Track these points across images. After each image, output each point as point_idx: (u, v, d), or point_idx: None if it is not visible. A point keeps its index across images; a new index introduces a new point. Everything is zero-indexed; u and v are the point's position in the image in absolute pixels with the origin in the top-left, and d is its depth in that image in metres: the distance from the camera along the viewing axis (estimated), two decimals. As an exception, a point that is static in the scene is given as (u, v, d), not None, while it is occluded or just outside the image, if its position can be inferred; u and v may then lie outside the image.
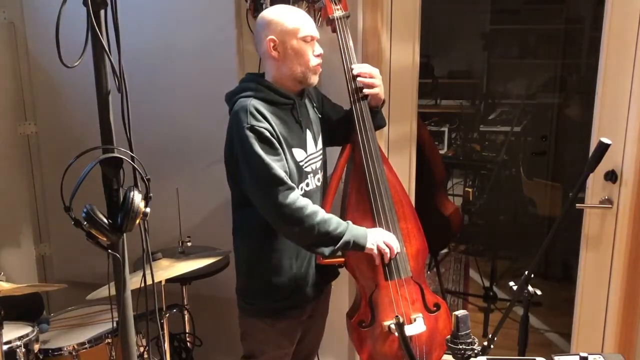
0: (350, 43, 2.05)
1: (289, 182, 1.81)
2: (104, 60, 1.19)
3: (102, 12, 1.16)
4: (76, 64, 1.15)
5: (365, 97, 2.04)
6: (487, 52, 5.32)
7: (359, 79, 2.03)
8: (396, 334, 2.02)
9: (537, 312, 3.39)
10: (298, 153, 1.92)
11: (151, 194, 1.28)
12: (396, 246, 1.97)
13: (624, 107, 2.21)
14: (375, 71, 2.06)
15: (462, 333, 1.35)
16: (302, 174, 1.94)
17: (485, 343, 1.42)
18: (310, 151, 1.99)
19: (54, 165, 2.95)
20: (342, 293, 2.55)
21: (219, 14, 2.52)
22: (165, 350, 2.23)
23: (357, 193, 2.04)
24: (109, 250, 1.27)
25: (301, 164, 1.93)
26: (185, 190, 2.49)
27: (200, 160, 2.68)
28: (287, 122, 1.89)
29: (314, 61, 1.89)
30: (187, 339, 2.61)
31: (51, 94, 2.88)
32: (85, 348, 2.17)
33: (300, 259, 1.99)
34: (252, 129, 1.78)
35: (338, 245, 1.87)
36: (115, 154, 1.22)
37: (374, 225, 2.01)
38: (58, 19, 1.13)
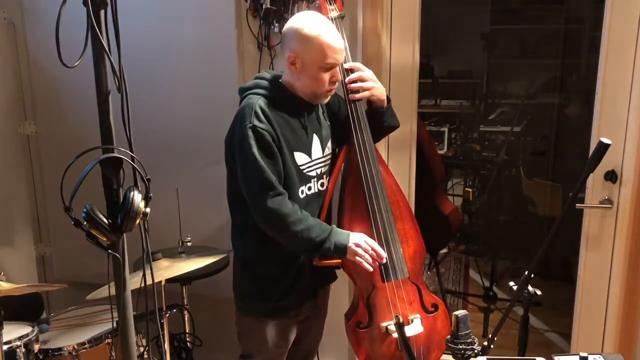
0: (346, 44, 2.04)
1: (279, 188, 1.83)
2: (104, 60, 1.19)
3: (102, 12, 1.16)
4: (76, 64, 1.15)
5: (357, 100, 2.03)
6: (487, 52, 5.32)
7: (348, 85, 2.02)
8: (394, 335, 2.02)
9: (537, 312, 3.38)
10: (300, 157, 1.92)
11: (151, 194, 1.28)
12: (380, 251, 1.95)
13: (624, 107, 2.21)
14: (366, 74, 2.04)
15: (462, 333, 1.35)
16: (302, 178, 1.94)
17: (485, 343, 1.42)
18: (316, 156, 1.99)
19: (54, 165, 2.95)
20: (341, 293, 2.55)
21: (219, 14, 2.52)
22: (165, 350, 2.23)
23: (353, 194, 2.04)
24: (109, 250, 1.27)
25: (302, 167, 1.93)
26: (185, 190, 2.49)
27: (200, 160, 2.68)
28: (293, 125, 1.90)
29: (327, 87, 1.88)
30: (187, 339, 2.61)
31: (51, 94, 2.88)
32: (85, 348, 2.17)
33: (296, 261, 1.99)
34: (254, 129, 1.79)
35: (319, 252, 1.88)
36: (115, 154, 1.22)
37: (370, 226, 2.01)
38: (58, 19, 1.13)
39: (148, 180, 1.27)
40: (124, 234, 1.27)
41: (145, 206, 1.26)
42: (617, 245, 2.31)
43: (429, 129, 4.69)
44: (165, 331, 2.32)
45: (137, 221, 1.25)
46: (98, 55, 1.19)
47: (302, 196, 1.94)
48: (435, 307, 2.15)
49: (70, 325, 2.35)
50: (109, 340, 2.21)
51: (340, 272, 2.16)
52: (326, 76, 1.85)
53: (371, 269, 1.94)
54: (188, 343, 2.62)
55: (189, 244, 2.44)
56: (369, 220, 2.01)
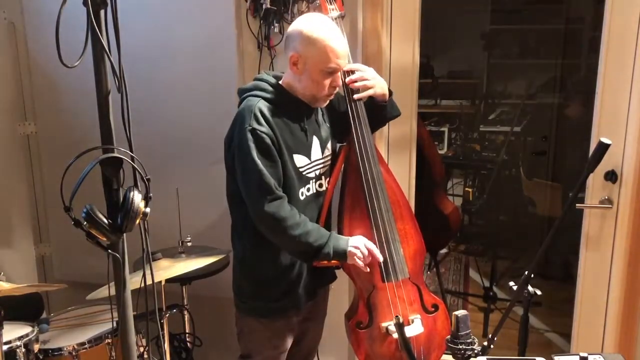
0: (346, 44, 2.04)
1: (278, 191, 1.83)
2: (104, 60, 1.19)
3: (102, 12, 1.16)
4: (76, 64, 1.15)
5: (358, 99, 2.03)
6: (487, 52, 5.32)
7: (350, 85, 2.02)
8: (394, 335, 2.02)
9: (537, 312, 3.39)
10: (299, 159, 1.92)
11: (151, 194, 1.28)
12: (378, 254, 1.95)
13: (624, 107, 2.21)
14: (367, 73, 2.03)
15: (462, 333, 1.35)
16: (302, 180, 1.94)
17: (485, 343, 1.43)
18: (315, 157, 1.99)
19: (54, 165, 2.95)
20: (341, 294, 2.55)
21: (218, 14, 2.52)
22: (165, 350, 2.23)
23: (353, 194, 2.04)
24: (109, 250, 1.27)
25: (301, 169, 1.93)
26: (185, 190, 2.49)
27: (200, 160, 2.68)
28: (292, 128, 1.90)
29: (327, 92, 1.89)
30: (187, 339, 2.61)
31: (51, 94, 2.88)
32: (85, 348, 2.17)
33: (295, 261, 1.99)
34: (253, 132, 1.79)
35: (318, 257, 1.89)
36: (115, 154, 1.22)
37: (370, 226, 2.01)
38: (58, 19, 1.13)
39: (148, 180, 1.27)
40: (124, 234, 1.27)
41: (145, 206, 1.26)
42: (617, 245, 2.31)
43: (429, 129, 4.69)
44: (165, 331, 2.32)
45: (137, 221, 1.25)
46: (98, 55, 1.19)
47: (302, 198, 1.95)
48: (436, 307, 2.15)
49: (70, 325, 2.35)
50: (109, 340, 2.21)
51: (340, 272, 2.16)
52: (327, 81, 1.85)
53: (368, 270, 1.95)
54: (188, 343, 2.62)
55: (189, 244, 2.43)
56: (369, 220, 2.01)
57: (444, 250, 4.26)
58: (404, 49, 2.46)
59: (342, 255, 1.90)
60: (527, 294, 1.48)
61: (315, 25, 1.82)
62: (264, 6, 2.41)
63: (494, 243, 4.13)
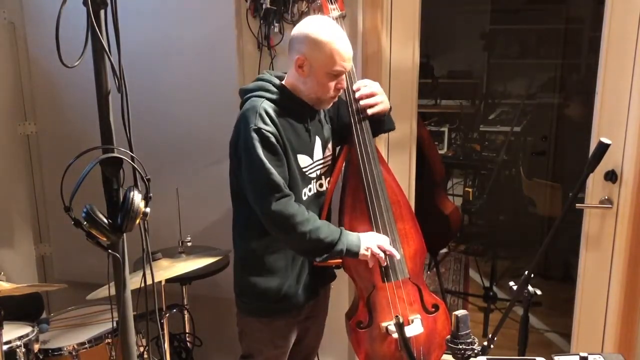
0: None
1: (286, 189, 1.83)
2: (104, 60, 1.19)
3: (102, 12, 1.16)
4: (76, 64, 1.15)
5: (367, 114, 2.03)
6: (487, 52, 5.32)
7: (360, 102, 2.02)
8: (394, 335, 2.02)
9: (537, 312, 3.39)
10: (303, 159, 1.92)
11: (151, 194, 1.28)
12: (391, 249, 1.97)
13: (624, 107, 2.21)
14: (375, 87, 2.04)
15: (462, 333, 1.35)
16: (305, 180, 1.95)
17: (485, 343, 1.43)
18: (317, 158, 1.99)
19: (54, 165, 2.95)
20: (342, 293, 2.55)
21: (218, 14, 2.52)
22: (165, 350, 2.23)
23: (354, 194, 2.04)
24: (109, 250, 1.27)
25: (304, 170, 1.94)
26: (185, 190, 2.49)
27: (200, 160, 2.68)
28: (296, 128, 1.90)
29: (332, 94, 1.89)
30: (187, 339, 2.61)
31: (51, 94, 2.88)
32: (85, 348, 2.17)
33: (296, 260, 1.99)
34: (258, 131, 1.79)
35: (330, 254, 1.89)
36: (115, 154, 1.22)
37: (370, 226, 2.01)
38: (58, 19, 1.13)
39: (148, 180, 1.27)
40: (124, 234, 1.27)
41: (145, 206, 1.26)
42: (617, 245, 2.31)
43: (429, 129, 4.69)
44: (165, 331, 2.32)
45: (137, 221, 1.25)
46: (98, 55, 1.19)
47: (304, 198, 1.95)
48: (436, 307, 2.15)
49: (70, 325, 2.35)
50: (109, 340, 2.21)
51: (340, 272, 2.16)
52: (332, 83, 1.85)
53: (384, 264, 1.97)
54: (188, 343, 2.62)
55: (189, 244, 2.43)
56: (369, 220, 2.01)
57: (444, 250, 4.26)
58: (404, 49, 2.46)
59: (355, 253, 1.90)
60: (527, 294, 1.47)
61: (321, 28, 1.82)
62: (264, 6, 2.41)
63: (494, 243, 4.13)
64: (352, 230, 2.00)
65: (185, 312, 2.53)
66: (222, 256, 2.30)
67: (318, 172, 2.01)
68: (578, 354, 1.39)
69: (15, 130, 2.95)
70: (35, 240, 3.09)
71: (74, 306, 2.48)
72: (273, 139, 1.80)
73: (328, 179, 2.06)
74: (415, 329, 2.08)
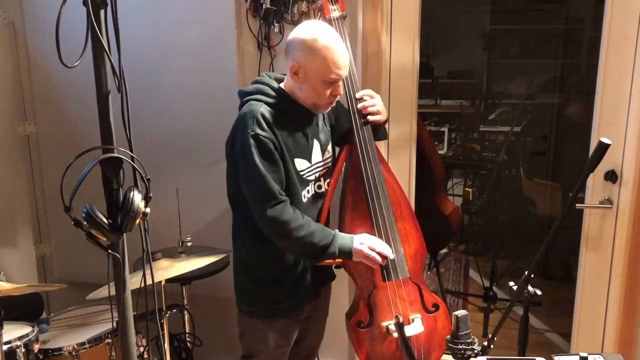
0: (347, 44, 2.04)
1: (281, 196, 1.84)
2: (104, 60, 1.19)
3: (102, 12, 1.16)
4: (76, 64, 1.15)
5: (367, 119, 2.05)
6: (487, 52, 5.32)
7: (364, 110, 2.03)
8: (395, 334, 2.02)
9: (537, 312, 3.39)
10: (300, 163, 1.93)
11: (151, 194, 1.28)
12: (386, 250, 1.97)
13: (624, 107, 2.21)
14: (377, 100, 2.06)
15: (462, 333, 1.35)
16: (302, 182, 1.95)
17: (485, 343, 1.42)
18: (315, 161, 1.99)
19: (54, 165, 2.95)
20: (342, 293, 2.55)
21: (219, 14, 2.52)
22: (165, 350, 2.23)
23: (354, 194, 2.04)
24: (109, 250, 1.27)
25: (302, 173, 1.94)
26: (185, 190, 2.49)
27: (200, 160, 2.68)
28: (294, 132, 1.90)
29: (328, 100, 1.88)
30: (187, 339, 2.61)
31: (51, 94, 2.88)
32: (85, 348, 2.17)
33: (297, 261, 2.00)
34: (256, 137, 1.79)
35: (323, 257, 1.90)
36: (115, 154, 1.22)
37: (371, 226, 2.01)
38: (58, 19, 1.13)
39: (148, 180, 1.27)
40: (124, 234, 1.27)
41: (145, 206, 1.26)
42: (617, 245, 2.31)
43: (429, 129, 4.69)
44: (165, 331, 2.32)
45: (137, 221, 1.25)
46: (98, 55, 1.19)
47: (304, 200, 1.96)
48: (436, 307, 2.15)
49: (70, 325, 2.35)
50: (109, 340, 2.21)
51: (340, 272, 2.16)
52: (328, 90, 1.85)
53: (376, 267, 1.97)
54: (188, 343, 2.62)
55: (189, 244, 2.44)
56: (370, 220, 2.01)
57: (444, 250, 4.26)
58: (404, 49, 2.46)
59: (347, 253, 1.92)
60: (527, 294, 1.47)
61: (317, 35, 1.80)
62: (264, 6, 2.41)
63: (494, 243, 4.13)
64: (353, 230, 2.00)
65: (185, 312, 2.53)
66: (222, 256, 2.30)
67: (317, 174, 2.01)
68: (578, 354, 1.39)
69: (15, 130, 2.95)
70: (35, 240, 3.09)
71: (74, 306, 2.48)
72: (270, 145, 1.81)
73: (327, 180, 2.06)
74: (415, 328, 2.08)
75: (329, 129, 2.09)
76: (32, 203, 3.05)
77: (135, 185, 1.26)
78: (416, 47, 2.47)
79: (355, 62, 2.19)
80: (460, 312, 1.35)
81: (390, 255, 1.98)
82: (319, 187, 2.03)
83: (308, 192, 1.98)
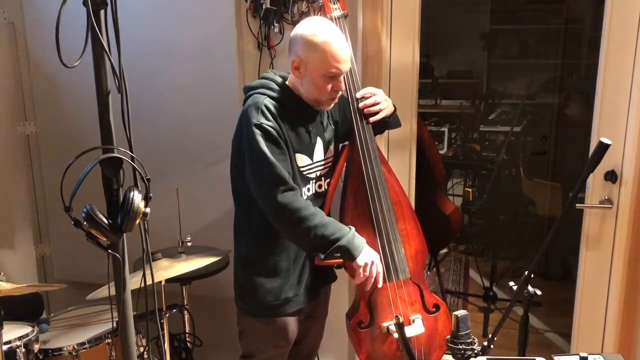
0: (348, 43, 2.04)
1: (291, 182, 1.83)
2: (104, 60, 1.19)
3: (102, 12, 1.16)
4: (76, 64, 1.15)
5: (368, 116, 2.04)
6: (487, 52, 5.32)
7: (364, 110, 2.03)
8: (395, 335, 2.02)
9: (537, 312, 3.39)
10: (301, 159, 1.93)
11: (151, 194, 1.28)
12: (375, 269, 1.93)
13: (624, 107, 2.21)
14: (378, 96, 2.05)
15: (462, 333, 1.35)
16: (303, 179, 1.95)
17: (485, 343, 1.42)
18: (317, 158, 1.99)
19: (54, 165, 2.95)
20: (342, 293, 2.55)
21: (219, 14, 2.52)
22: (165, 350, 2.23)
23: (355, 194, 2.04)
24: (109, 250, 1.27)
25: (303, 169, 1.94)
26: (185, 190, 2.48)
27: (200, 160, 2.68)
28: (296, 127, 1.90)
29: (330, 95, 1.88)
30: (187, 339, 2.61)
31: (51, 94, 2.88)
32: (85, 348, 2.17)
33: (298, 261, 1.99)
34: (260, 126, 1.79)
35: (331, 250, 1.86)
36: (115, 154, 1.22)
37: (372, 226, 2.01)
38: (58, 19, 1.13)
39: (148, 180, 1.27)
40: (124, 234, 1.27)
41: (145, 206, 1.26)
42: (617, 245, 2.31)
43: (429, 129, 4.69)
44: (165, 331, 2.32)
45: (137, 221, 1.25)
46: (98, 55, 1.19)
47: (304, 198, 1.95)
48: (437, 307, 2.15)
49: (70, 325, 2.35)
50: (109, 340, 2.21)
51: (340, 272, 2.16)
52: (329, 85, 1.85)
53: (367, 288, 1.95)
54: (188, 343, 2.62)
55: (189, 244, 2.43)
56: (370, 220, 2.01)
57: (444, 250, 4.26)
58: (404, 49, 2.46)
59: (352, 257, 1.88)
60: (527, 294, 1.47)
61: (316, 30, 1.81)
62: (264, 6, 2.41)
63: (494, 243, 4.13)
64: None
65: (185, 312, 2.53)
66: (222, 256, 2.30)
67: (318, 172, 2.01)
68: (578, 354, 1.39)
69: (15, 130, 2.95)
70: (35, 240, 3.09)
71: (74, 306, 2.48)
72: (275, 133, 1.81)
73: (328, 180, 2.06)
74: (416, 328, 2.08)
75: (334, 127, 2.09)
76: (32, 203, 3.05)
77: (135, 185, 1.26)
78: (416, 47, 2.47)
79: (356, 62, 2.18)
80: (460, 312, 1.35)
81: (379, 285, 1.96)
82: (320, 186, 2.03)
83: (309, 190, 1.98)
